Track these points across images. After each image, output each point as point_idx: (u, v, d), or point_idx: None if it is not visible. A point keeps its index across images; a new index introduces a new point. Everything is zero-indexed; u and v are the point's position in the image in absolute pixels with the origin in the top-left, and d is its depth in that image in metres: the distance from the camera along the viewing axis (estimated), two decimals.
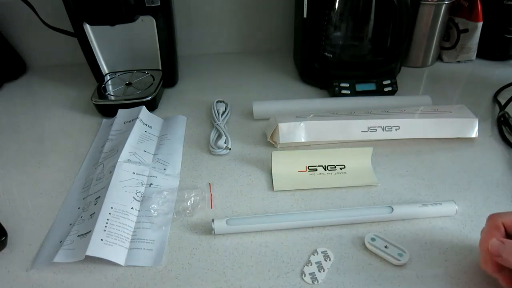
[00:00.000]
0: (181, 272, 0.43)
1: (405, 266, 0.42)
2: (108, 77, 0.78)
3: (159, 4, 0.68)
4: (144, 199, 0.51)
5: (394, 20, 0.70)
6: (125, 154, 0.56)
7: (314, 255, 0.44)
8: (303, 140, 0.59)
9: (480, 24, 0.80)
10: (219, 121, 0.65)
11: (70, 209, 0.52)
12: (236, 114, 0.71)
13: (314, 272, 0.42)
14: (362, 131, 0.59)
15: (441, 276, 0.41)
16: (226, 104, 0.70)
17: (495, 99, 0.72)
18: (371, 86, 0.73)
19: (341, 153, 0.56)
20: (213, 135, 0.63)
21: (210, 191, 0.53)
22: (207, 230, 0.48)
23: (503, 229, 0.37)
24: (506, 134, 0.62)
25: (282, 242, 0.46)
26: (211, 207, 0.51)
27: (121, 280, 0.42)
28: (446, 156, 0.59)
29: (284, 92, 0.78)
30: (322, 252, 0.44)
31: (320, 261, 0.43)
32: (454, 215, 0.48)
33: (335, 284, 0.41)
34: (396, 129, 0.60)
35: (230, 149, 0.60)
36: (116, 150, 0.57)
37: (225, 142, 0.60)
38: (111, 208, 0.48)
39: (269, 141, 0.61)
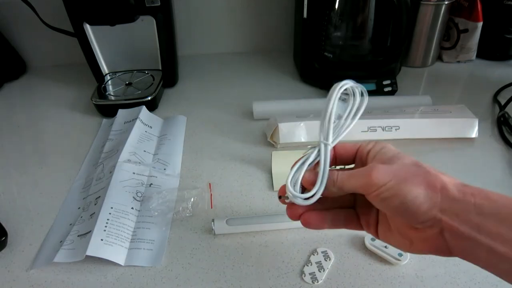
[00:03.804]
0: (181, 272, 0.43)
1: (405, 266, 0.42)
2: (108, 77, 0.78)
3: (159, 4, 0.68)
4: (144, 199, 0.51)
5: (394, 20, 0.70)
6: (125, 154, 0.56)
7: (314, 255, 0.44)
8: (303, 140, 0.59)
9: (480, 24, 0.80)
10: (328, 140, 0.33)
11: (70, 209, 0.52)
12: (236, 114, 0.71)
13: (314, 272, 0.42)
14: (362, 131, 0.59)
15: (441, 276, 0.41)
16: (352, 98, 0.34)
17: (495, 99, 0.72)
18: (371, 86, 0.73)
19: None
20: (298, 165, 0.33)
21: (210, 191, 0.53)
22: (207, 230, 0.48)
23: None
24: (506, 134, 0.62)
25: (282, 242, 0.46)
26: (211, 207, 0.51)
27: (121, 280, 0.42)
28: (446, 156, 0.59)
29: (284, 92, 0.78)
30: (322, 252, 0.44)
31: (320, 261, 0.43)
32: None
33: (335, 284, 0.41)
34: (396, 129, 0.60)
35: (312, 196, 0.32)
36: (116, 150, 0.57)
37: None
38: (111, 208, 0.48)
39: (269, 141, 0.61)
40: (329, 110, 0.33)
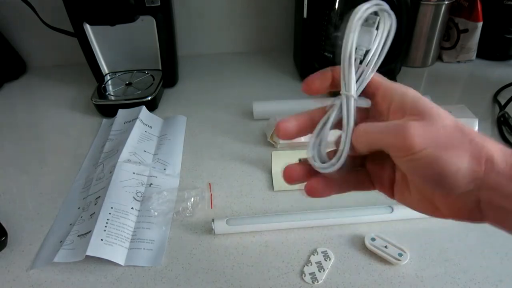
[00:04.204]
0: (181, 272, 0.43)
1: (405, 266, 0.42)
2: (108, 77, 0.78)
3: (159, 4, 0.68)
4: (144, 199, 0.51)
5: None
6: (125, 154, 0.56)
7: (314, 255, 0.44)
8: (303, 140, 0.59)
9: (480, 24, 0.80)
10: (350, 90, 0.26)
11: (70, 209, 0.52)
12: (236, 114, 0.71)
13: (314, 272, 0.42)
14: None
15: (441, 276, 0.41)
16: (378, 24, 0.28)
17: (495, 99, 0.72)
18: None
19: None
20: (320, 127, 0.27)
21: (210, 191, 0.53)
22: (207, 230, 0.48)
23: None
24: (506, 134, 0.62)
25: (282, 242, 0.46)
26: (211, 207, 0.51)
27: (121, 280, 0.42)
28: None
29: (284, 92, 0.78)
30: (322, 252, 0.44)
31: (320, 261, 0.43)
32: None
33: (335, 284, 0.41)
34: None
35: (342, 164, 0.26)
36: (116, 150, 0.57)
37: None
38: (111, 208, 0.48)
39: (269, 141, 0.61)
40: (348, 48, 0.25)
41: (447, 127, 0.24)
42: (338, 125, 0.27)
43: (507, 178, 0.23)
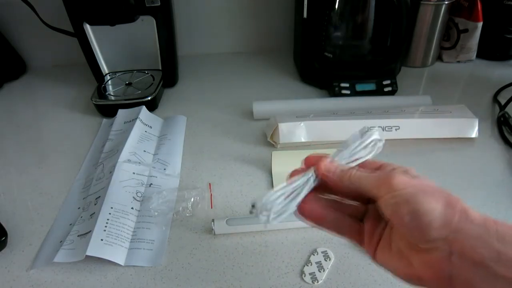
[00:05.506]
0: (181, 272, 0.43)
1: None
2: (108, 77, 0.78)
3: (159, 4, 0.68)
4: (144, 199, 0.51)
5: (394, 20, 0.70)
6: (125, 154, 0.56)
7: (314, 255, 0.44)
8: (303, 140, 0.59)
9: (480, 24, 0.80)
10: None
11: (70, 209, 0.52)
12: (236, 114, 0.71)
13: (314, 272, 0.42)
14: None
15: None
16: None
17: (495, 99, 0.72)
18: (371, 86, 0.73)
19: None
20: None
21: (210, 191, 0.53)
22: (207, 230, 0.48)
23: None
24: (506, 134, 0.62)
25: (282, 242, 0.46)
26: (211, 207, 0.51)
27: (121, 280, 0.42)
28: (446, 156, 0.59)
29: (284, 92, 0.78)
30: (322, 252, 0.44)
31: (320, 261, 0.43)
32: None
33: (335, 284, 0.41)
34: (396, 129, 0.60)
35: None
36: (116, 150, 0.57)
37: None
38: (111, 208, 0.48)
39: (269, 141, 0.61)
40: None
41: (428, 182, 0.27)
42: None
43: (481, 228, 0.23)
